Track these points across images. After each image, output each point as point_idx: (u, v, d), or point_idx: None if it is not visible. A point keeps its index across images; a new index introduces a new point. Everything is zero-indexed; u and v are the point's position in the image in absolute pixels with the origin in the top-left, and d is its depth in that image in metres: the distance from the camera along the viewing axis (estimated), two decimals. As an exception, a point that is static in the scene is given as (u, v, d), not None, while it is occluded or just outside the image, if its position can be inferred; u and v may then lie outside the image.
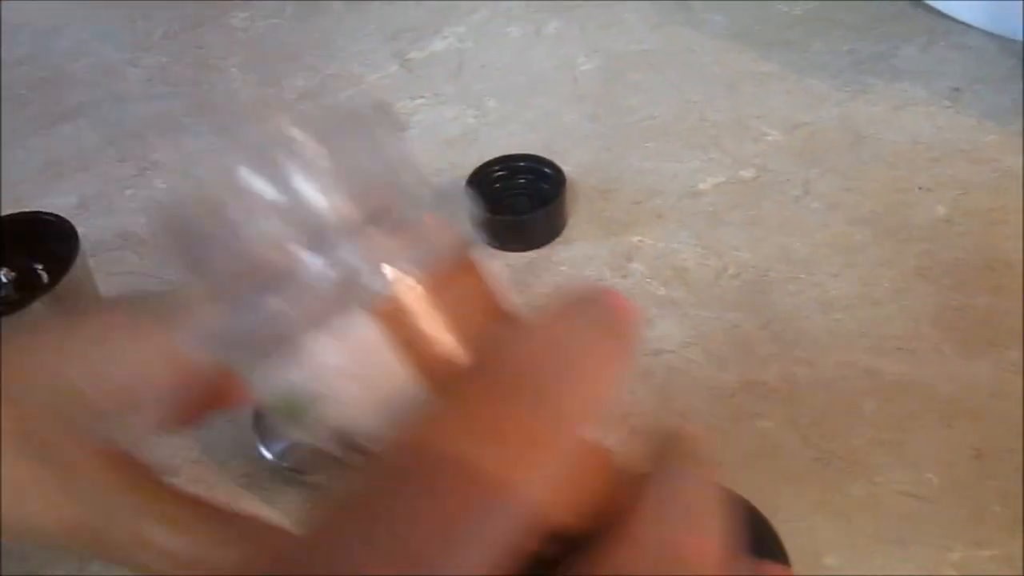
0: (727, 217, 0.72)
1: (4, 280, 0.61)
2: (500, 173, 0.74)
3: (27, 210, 0.64)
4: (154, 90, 0.92)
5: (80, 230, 0.65)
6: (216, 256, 0.19)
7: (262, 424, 0.58)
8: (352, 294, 0.18)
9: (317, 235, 0.18)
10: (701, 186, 0.75)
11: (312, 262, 0.18)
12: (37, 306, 0.58)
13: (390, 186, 0.19)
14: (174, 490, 0.31)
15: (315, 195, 0.18)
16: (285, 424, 0.20)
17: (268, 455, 0.56)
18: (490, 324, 0.20)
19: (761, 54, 0.89)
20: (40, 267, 0.63)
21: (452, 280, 0.19)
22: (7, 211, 0.66)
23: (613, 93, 0.86)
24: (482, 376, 0.19)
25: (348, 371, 0.19)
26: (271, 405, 0.20)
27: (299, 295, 0.18)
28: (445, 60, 0.92)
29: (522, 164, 0.74)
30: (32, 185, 0.81)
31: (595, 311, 0.20)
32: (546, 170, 0.73)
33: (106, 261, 0.73)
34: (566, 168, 0.73)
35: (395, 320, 0.18)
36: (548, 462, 0.18)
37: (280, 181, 0.18)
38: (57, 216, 0.62)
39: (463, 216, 0.20)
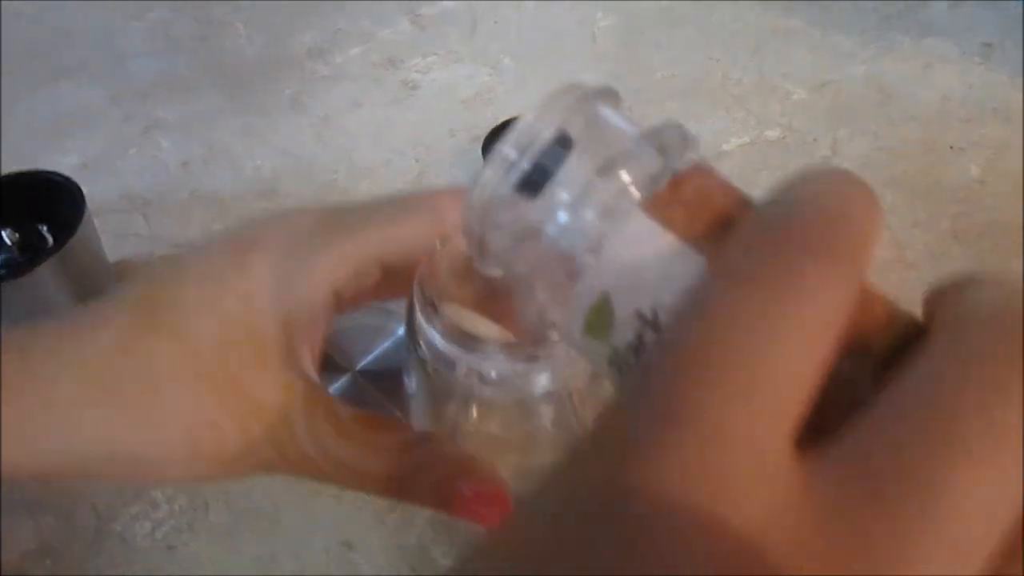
0: (754, 179, 0.70)
1: (8, 242, 0.59)
2: (518, 133, 0.71)
3: (31, 169, 0.62)
4: (158, 47, 0.89)
5: (84, 190, 0.63)
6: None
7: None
8: (622, 205, 0.22)
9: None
10: (726, 147, 0.73)
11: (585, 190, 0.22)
12: (42, 270, 0.56)
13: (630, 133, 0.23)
14: (345, 406, 0.33)
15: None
16: (598, 340, 0.22)
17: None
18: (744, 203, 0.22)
19: (784, 10, 0.86)
20: (44, 228, 0.61)
21: (699, 177, 0.22)
22: (11, 171, 0.63)
23: (633, 51, 0.83)
24: (767, 227, 0.18)
25: (636, 261, 0.21)
26: (585, 324, 0.22)
27: (577, 214, 0.22)
28: (458, 16, 0.89)
29: (541, 123, 0.71)
30: (35, 144, 0.78)
31: (840, 176, 0.19)
32: (566, 129, 0.70)
33: (111, 223, 0.71)
34: (586, 128, 0.71)
35: (664, 212, 0.21)
36: (848, 289, 0.17)
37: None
38: (63, 176, 0.60)
39: (682, 136, 0.23)
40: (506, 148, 0.24)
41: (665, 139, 0.23)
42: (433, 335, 0.33)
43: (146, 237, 0.70)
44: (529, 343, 0.32)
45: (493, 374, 0.34)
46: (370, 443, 0.32)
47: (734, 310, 0.17)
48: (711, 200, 0.22)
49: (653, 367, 0.17)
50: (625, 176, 0.22)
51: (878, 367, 0.18)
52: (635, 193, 0.22)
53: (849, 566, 0.15)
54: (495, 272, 0.28)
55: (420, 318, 0.34)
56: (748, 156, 0.72)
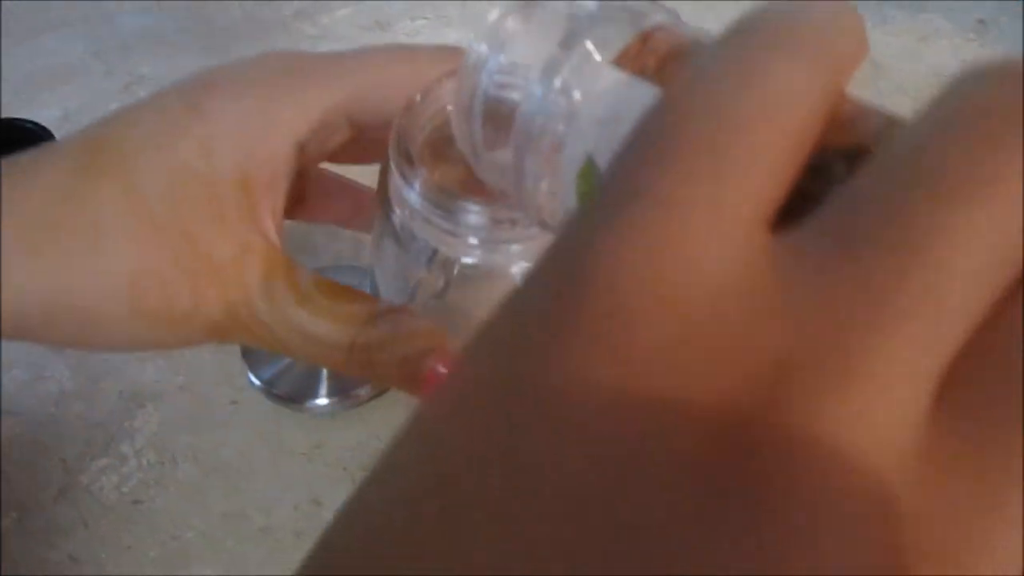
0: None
1: (-20, 191, 0.58)
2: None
3: (3, 117, 0.60)
4: (143, 3, 0.87)
5: (63, 144, 0.62)
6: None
7: (252, 350, 0.55)
8: (588, 66, 0.22)
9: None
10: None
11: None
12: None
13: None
14: (308, 272, 0.30)
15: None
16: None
17: (257, 382, 0.54)
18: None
19: (779, -18, 0.85)
20: (18, 179, 0.60)
21: (671, 29, 0.22)
22: (-14, 121, 0.62)
23: (624, 18, 0.82)
24: (731, 34, 0.17)
25: (612, 114, 0.21)
26: (577, 195, 0.23)
27: (548, 87, 0.23)
28: (448, -20, 0.88)
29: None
30: (14, 97, 0.77)
31: None
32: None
33: (90, 178, 0.70)
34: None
35: (634, 62, 0.21)
36: (818, 81, 0.16)
37: None
38: (36, 124, 0.59)
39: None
40: (476, 44, 0.25)
41: (630, 3, 0.23)
42: (409, 194, 0.31)
43: (124, 193, 0.69)
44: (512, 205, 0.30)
45: (472, 240, 0.31)
46: (333, 312, 0.30)
47: (695, 103, 0.16)
48: (683, 45, 0.21)
49: (613, 164, 0.16)
50: (589, 42, 0.22)
51: None
52: (599, 55, 0.22)
53: (815, 324, 0.13)
54: (491, 177, 0.27)
55: (395, 175, 0.31)
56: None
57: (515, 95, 0.24)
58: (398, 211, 0.32)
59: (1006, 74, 0.15)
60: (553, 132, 0.23)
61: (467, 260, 0.32)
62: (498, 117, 0.25)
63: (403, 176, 0.31)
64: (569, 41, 0.23)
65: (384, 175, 0.32)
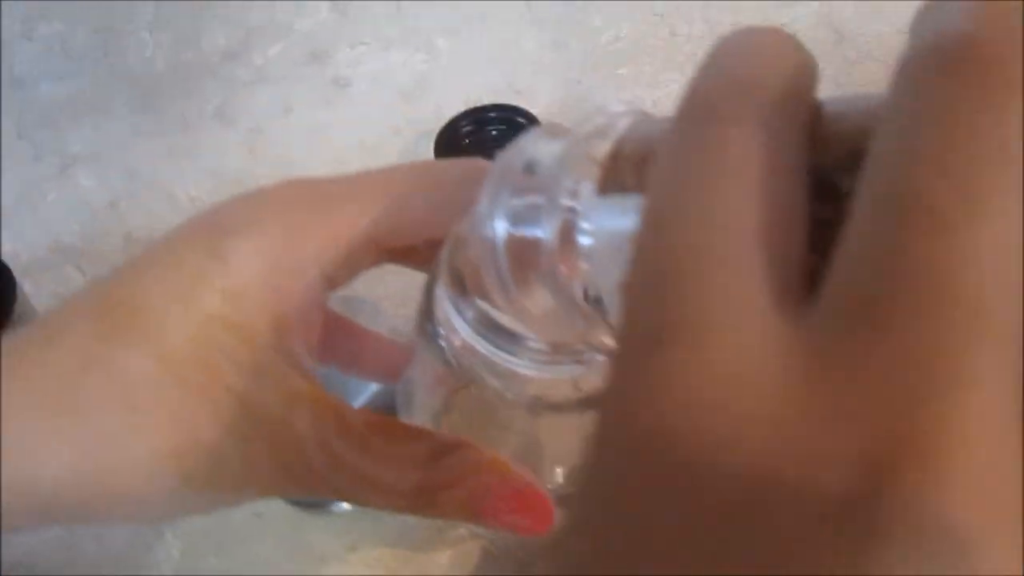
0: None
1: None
2: (468, 128, 0.67)
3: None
4: (56, 67, 0.81)
5: (6, 247, 0.58)
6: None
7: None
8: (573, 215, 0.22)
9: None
10: (685, 112, 0.69)
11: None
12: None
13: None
14: (356, 412, 0.29)
15: None
16: None
17: (276, 492, 0.51)
18: None
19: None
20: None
21: (631, 133, 0.22)
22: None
23: (572, 13, 0.78)
24: (675, 119, 0.17)
25: (619, 240, 0.21)
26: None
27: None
28: (379, -6, 0.83)
29: (492, 115, 0.67)
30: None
31: (738, 37, 0.19)
32: (519, 119, 0.66)
33: (45, 282, 0.65)
34: (536, 110, 0.67)
35: (614, 181, 0.21)
36: (767, 135, 0.16)
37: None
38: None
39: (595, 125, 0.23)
40: (481, 206, 0.24)
41: (578, 146, 0.22)
42: (459, 322, 0.29)
43: (85, 292, 0.65)
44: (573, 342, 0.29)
45: (527, 373, 0.29)
46: (393, 456, 0.28)
47: (667, 211, 0.16)
48: (651, 142, 0.21)
49: (622, 302, 0.17)
50: (570, 182, 0.22)
51: None
52: (583, 191, 0.22)
53: (877, 418, 0.13)
54: (534, 323, 0.26)
55: (447, 304, 0.29)
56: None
57: (537, 232, 0.23)
58: (444, 333, 0.30)
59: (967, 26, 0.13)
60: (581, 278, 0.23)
61: (524, 394, 0.31)
62: (523, 255, 0.24)
63: (454, 303, 0.29)
64: (553, 191, 0.22)
65: (429, 293, 0.30)
